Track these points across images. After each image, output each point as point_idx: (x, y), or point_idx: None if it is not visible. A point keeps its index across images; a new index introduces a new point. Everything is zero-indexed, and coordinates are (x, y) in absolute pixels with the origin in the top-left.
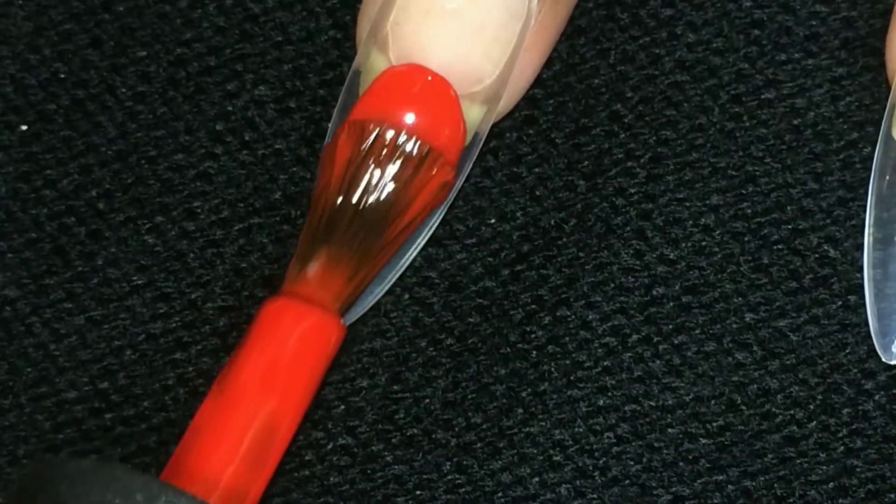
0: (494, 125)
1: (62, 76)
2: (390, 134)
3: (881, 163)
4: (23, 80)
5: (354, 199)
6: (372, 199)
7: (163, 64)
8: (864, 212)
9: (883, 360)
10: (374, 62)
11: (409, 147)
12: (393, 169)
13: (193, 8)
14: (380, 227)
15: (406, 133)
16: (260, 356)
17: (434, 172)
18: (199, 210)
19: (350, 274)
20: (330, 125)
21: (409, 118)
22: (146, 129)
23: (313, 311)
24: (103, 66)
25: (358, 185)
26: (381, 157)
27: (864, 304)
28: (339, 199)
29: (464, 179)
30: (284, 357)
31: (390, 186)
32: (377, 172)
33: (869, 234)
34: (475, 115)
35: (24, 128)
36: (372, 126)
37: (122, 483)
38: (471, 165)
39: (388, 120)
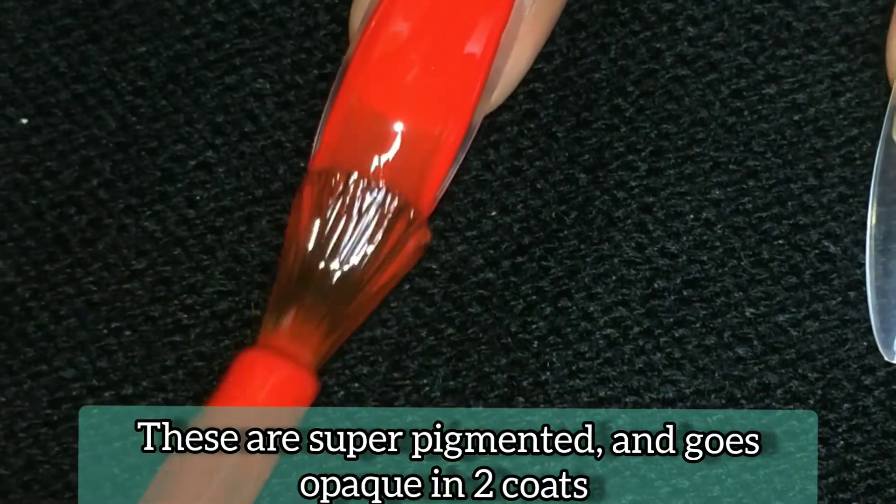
0: (495, 119)
1: (62, 71)
2: (359, 183)
3: (882, 165)
4: (21, 74)
5: (322, 264)
6: (341, 262)
7: (162, 59)
8: (864, 208)
9: (885, 358)
10: None
11: (379, 199)
12: (363, 226)
13: (192, 4)
14: (350, 292)
15: (374, 180)
16: (230, 405)
17: (407, 231)
18: (199, 198)
19: (326, 331)
20: (322, 117)
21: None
22: (146, 121)
23: (286, 365)
24: (103, 61)
25: (326, 246)
26: (350, 212)
27: (863, 301)
28: (308, 258)
29: (457, 169)
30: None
31: (361, 249)
32: (346, 232)
33: (871, 235)
34: None
35: (25, 121)
36: (338, 176)
37: None
38: (464, 154)
39: (356, 166)
